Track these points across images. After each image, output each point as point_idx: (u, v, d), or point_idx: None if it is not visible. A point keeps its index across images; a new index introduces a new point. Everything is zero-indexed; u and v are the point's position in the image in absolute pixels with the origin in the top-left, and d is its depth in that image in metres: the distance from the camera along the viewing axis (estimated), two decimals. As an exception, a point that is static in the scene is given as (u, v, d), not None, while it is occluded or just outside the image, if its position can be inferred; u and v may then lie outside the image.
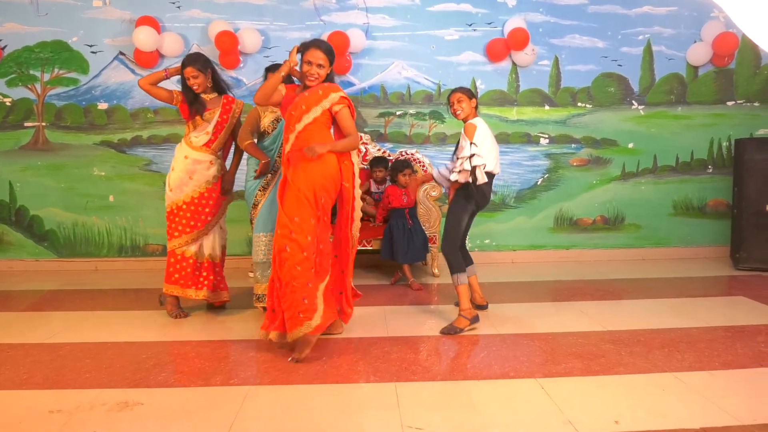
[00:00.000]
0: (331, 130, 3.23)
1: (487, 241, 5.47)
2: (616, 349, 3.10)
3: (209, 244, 3.80)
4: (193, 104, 3.68)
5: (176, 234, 3.70)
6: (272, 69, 3.88)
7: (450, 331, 3.38)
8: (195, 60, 3.62)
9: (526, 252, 5.49)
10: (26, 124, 5.20)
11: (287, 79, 3.24)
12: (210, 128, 3.70)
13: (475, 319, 3.45)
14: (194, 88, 3.63)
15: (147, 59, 5.03)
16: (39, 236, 5.31)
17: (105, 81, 5.19)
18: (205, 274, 3.78)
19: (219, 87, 3.77)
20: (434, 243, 4.85)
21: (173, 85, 3.93)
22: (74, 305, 4.15)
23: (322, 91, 3.10)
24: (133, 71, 5.17)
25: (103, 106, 5.20)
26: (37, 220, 5.29)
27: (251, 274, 4.79)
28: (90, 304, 4.17)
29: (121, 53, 5.15)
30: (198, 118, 3.68)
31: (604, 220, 5.57)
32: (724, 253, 5.52)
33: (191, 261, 3.72)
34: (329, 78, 3.18)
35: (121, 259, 5.34)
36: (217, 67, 3.83)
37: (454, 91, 3.54)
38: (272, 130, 3.91)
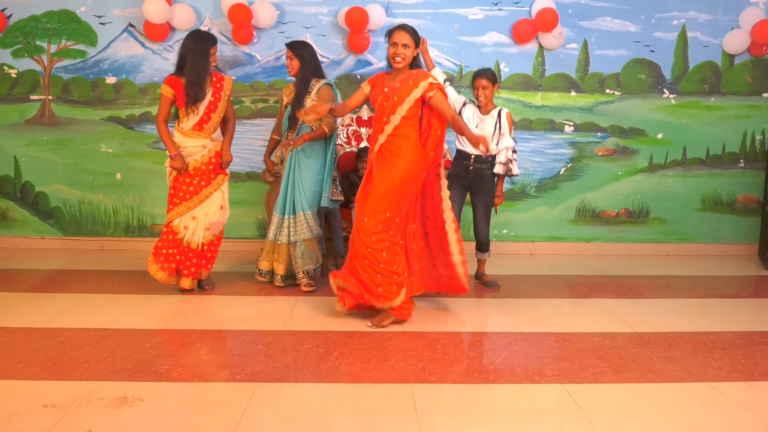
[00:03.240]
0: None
1: (505, 231, 5.26)
2: (645, 353, 2.91)
3: (198, 229, 3.71)
4: (195, 91, 3.53)
5: (170, 207, 3.68)
6: (290, 45, 3.81)
7: (492, 284, 4.05)
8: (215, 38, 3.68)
9: (545, 244, 5.29)
10: (32, 97, 5.03)
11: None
12: (200, 111, 3.61)
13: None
14: (213, 66, 3.62)
15: (157, 32, 4.82)
16: (44, 213, 5.17)
17: (113, 54, 4.99)
18: (179, 257, 3.72)
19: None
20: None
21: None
22: (78, 286, 4.02)
23: (412, 80, 3.15)
24: (143, 44, 4.97)
25: (111, 80, 5.02)
26: (43, 196, 5.15)
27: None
28: (94, 285, 4.03)
29: (131, 25, 4.95)
30: (192, 107, 3.60)
31: (628, 213, 5.34)
32: (752, 251, 5.28)
33: (176, 240, 3.70)
34: (416, 63, 3.27)
35: (128, 239, 5.19)
36: (229, 43, 3.74)
37: (480, 75, 3.69)
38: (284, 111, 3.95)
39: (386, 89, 3.23)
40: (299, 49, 3.81)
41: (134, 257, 4.84)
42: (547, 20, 4.80)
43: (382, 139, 3.21)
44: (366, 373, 2.60)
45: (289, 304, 3.61)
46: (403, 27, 3.20)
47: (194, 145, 3.64)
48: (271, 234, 3.88)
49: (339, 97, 4.12)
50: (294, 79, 3.86)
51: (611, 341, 3.05)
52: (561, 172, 5.25)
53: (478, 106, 3.90)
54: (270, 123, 4.96)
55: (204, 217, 3.71)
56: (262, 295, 3.81)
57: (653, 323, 3.37)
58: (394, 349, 2.89)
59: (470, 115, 3.87)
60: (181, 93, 3.54)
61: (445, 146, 4.85)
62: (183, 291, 3.77)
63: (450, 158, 4.84)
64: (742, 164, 5.31)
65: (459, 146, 3.94)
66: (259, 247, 4.88)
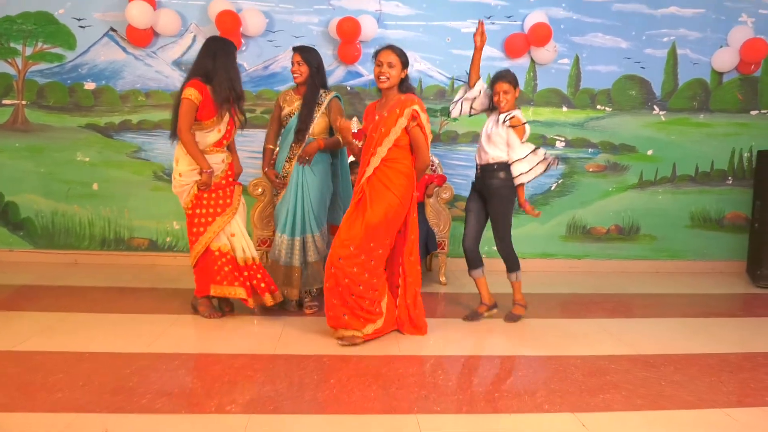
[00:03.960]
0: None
1: (495, 248, 5.14)
2: (653, 377, 2.81)
3: (245, 243, 3.45)
4: (227, 94, 3.28)
5: (201, 230, 3.38)
6: (300, 50, 3.58)
7: (513, 318, 3.65)
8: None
9: (536, 260, 5.20)
10: (4, 102, 4.78)
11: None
12: (223, 126, 3.38)
13: (526, 306, 3.73)
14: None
15: (140, 37, 4.63)
16: (14, 224, 4.90)
17: (93, 59, 4.77)
18: (246, 274, 3.44)
19: None
20: (443, 248, 4.54)
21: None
22: (49, 304, 3.77)
23: (399, 108, 3.06)
24: (124, 49, 4.77)
25: (90, 86, 4.79)
26: (13, 206, 4.87)
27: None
28: (67, 303, 3.79)
29: (112, 29, 4.74)
30: (210, 119, 3.32)
31: (619, 229, 5.29)
32: (739, 268, 5.27)
33: (229, 256, 3.41)
34: (405, 86, 3.16)
35: (104, 253, 4.94)
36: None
37: (500, 79, 3.42)
38: (285, 124, 3.70)
39: (377, 117, 3.15)
40: (309, 54, 3.57)
41: (110, 272, 4.61)
42: (540, 35, 4.75)
43: (369, 171, 3.11)
44: (367, 402, 2.44)
45: (278, 324, 3.43)
46: (390, 46, 3.12)
47: (216, 161, 3.39)
48: (284, 257, 3.56)
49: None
50: (289, 86, 3.69)
51: (617, 365, 2.95)
52: (552, 188, 5.19)
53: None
54: (257, 134, 4.80)
55: (241, 231, 3.45)
56: (246, 314, 3.61)
57: (656, 344, 3.29)
58: (394, 374, 2.73)
59: (489, 126, 3.54)
60: (209, 100, 3.26)
61: (435, 159, 4.80)
62: (268, 308, 3.54)
63: (441, 172, 4.75)
64: (731, 181, 5.32)
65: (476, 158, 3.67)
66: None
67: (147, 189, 4.88)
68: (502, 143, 3.44)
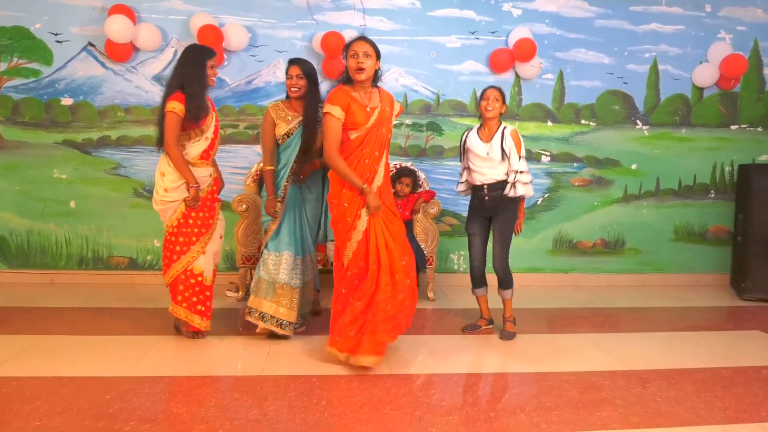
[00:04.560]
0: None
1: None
2: (648, 393, 2.78)
3: (208, 262, 3.36)
4: (200, 106, 3.18)
5: (184, 249, 3.26)
6: (298, 62, 3.43)
7: (508, 336, 3.59)
8: (213, 51, 3.34)
9: (523, 275, 5.14)
10: (-23, 119, 4.64)
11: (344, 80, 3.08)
12: (209, 134, 3.29)
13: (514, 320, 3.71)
14: (212, 80, 3.27)
15: (120, 52, 4.54)
16: (-13, 244, 4.73)
17: (71, 74, 4.66)
18: (204, 298, 3.35)
19: None
20: (431, 264, 4.48)
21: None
22: (25, 327, 3.62)
23: (388, 106, 3.06)
24: (103, 64, 4.67)
25: (67, 101, 4.67)
26: (-14, 225, 4.72)
27: (228, 293, 4.36)
28: (44, 325, 3.65)
29: (91, 44, 4.64)
30: (196, 128, 3.24)
31: (605, 243, 5.30)
32: (723, 281, 5.31)
33: (199, 281, 3.31)
34: (377, 78, 3.07)
35: (81, 272, 4.79)
36: None
37: (492, 87, 3.50)
38: (282, 143, 3.50)
39: (374, 110, 2.96)
40: (308, 66, 3.43)
41: (89, 292, 4.47)
42: (525, 50, 4.77)
43: (378, 180, 3.02)
44: (359, 425, 2.35)
45: (264, 344, 3.33)
46: (362, 37, 2.99)
47: (204, 174, 3.30)
48: (284, 276, 3.36)
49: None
50: (274, 100, 3.60)
51: (611, 381, 2.91)
52: (538, 203, 5.18)
53: (478, 129, 3.57)
54: (240, 149, 4.73)
55: (211, 250, 3.37)
56: (231, 334, 3.51)
57: (647, 359, 3.26)
58: (385, 395, 2.66)
59: (473, 145, 3.52)
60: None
61: (422, 174, 4.77)
62: (196, 336, 3.40)
63: (427, 187, 4.72)
64: (713, 195, 5.37)
65: (468, 179, 3.64)
66: (227, 280, 4.60)
67: (126, 206, 4.76)
68: (499, 159, 3.45)
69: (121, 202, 4.76)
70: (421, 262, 4.32)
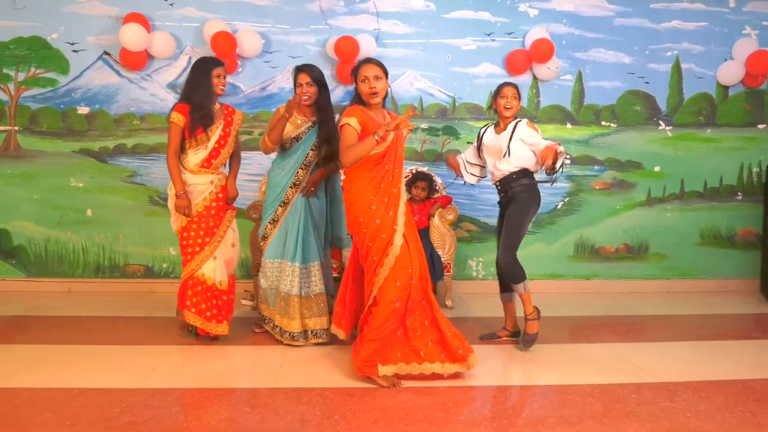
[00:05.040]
0: None
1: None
2: (676, 407, 2.65)
3: (220, 267, 3.38)
4: (202, 115, 3.24)
5: (189, 258, 3.34)
6: (307, 69, 3.39)
7: (529, 341, 3.35)
8: (221, 61, 3.41)
9: (543, 282, 5.04)
10: (-4, 128, 4.68)
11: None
12: (210, 143, 3.32)
13: (539, 314, 3.43)
14: (220, 88, 3.31)
15: (135, 60, 4.54)
16: (6, 252, 4.76)
17: (87, 83, 4.68)
18: (220, 303, 3.39)
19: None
20: (449, 271, 4.39)
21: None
22: (40, 335, 3.62)
23: (405, 130, 3.06)
24: (118, 73, 4.68)
25: (83, 110, 4.69)
26: (5, 234, 4.74)
27: (244, 301, 4.31)
28: (59, 334, 3.64)
29: (106, 53, 4.66)
30: (202, 134, 3.28)
31: (628, 248, 5.15)
32: (752, 286, 5.13)
33: (208, 286, 3.34)
34: (385, 99, 3.07)
35: (98, 280, 4.79)
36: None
37: (509, 84, 3.41)
38: (289, 147, 3.48)
39: (390, 133, 2.92)
40: (317, 73, 3.39)
41: (105, 300, 4.47)
42: (542, 51, 4.67)
43: (403, 197, 3.01)
44: (374, 441, 2.28)
45: (279, 354, 3.28)
46: (370, 60, 2.98)
47: (202, 182, 3.34)
48: (286, 285, 3.37)
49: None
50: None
51: (637, 394, 2.79)
52: (558, 207, 5.06)
53: (495, 126, 3.54)
54: (255, 156, 4.69)
55: (221, 257, 3.40)
56: (247, 344, 3.46)
57: (675, 370, 3.13)
58: (401, 409, 2.57)
59: (487, 138, 3.52)
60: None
61: (439, 180, 4.68)
62: (214, 339, 3.45)
63: (444, 192, 4.63)
64: (740, 197, 5.20)
65: (491, 177, 3.59)
66: (242, 288, 4.56)
67: (142, 214, 4.76)
68: (520, 151, 3.34)
69: (137, 210, 4.76)
70: (438, 268, 4.24)
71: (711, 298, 4.90)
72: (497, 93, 3.44)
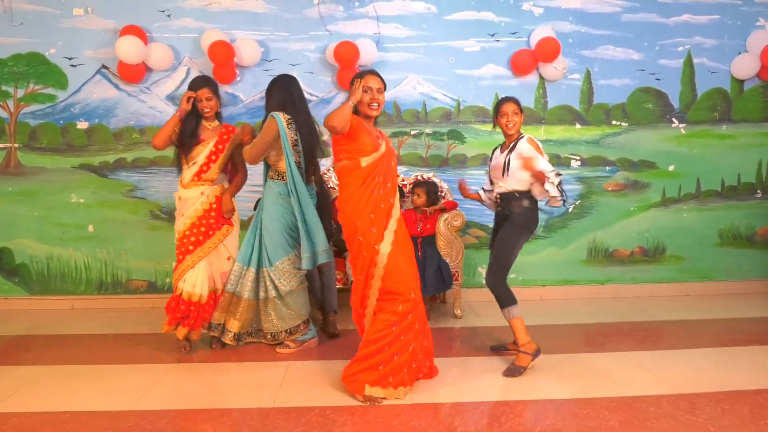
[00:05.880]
0: None
1: (512, 276, 4.83)
2: (699, 421, 2.49)
3: (199, 280, 3.42)
4: (185, 135, 3.39)
5: (175, 265, 3.49)
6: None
7: (514, 372, 3.06)
8: (209, 81, 3.48)
9: (556, 288, 4.89)
10: (-4, 146, 4.65)
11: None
12: (201, 158, 3.43)
13: (536, 353, 3.11)
14: (206, 111, 3.43)
15: (132, 73, 4.48)
16: (8, 271, 4.71)
17: (85, 97, 4.63)
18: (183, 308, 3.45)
19: (220, 116, 3.59)
20: (457, 279, 4.25)
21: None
22: (40, 356, 3.55)
23: (388, 141, 3.01)
24: (117, 86, 4.62)
25: (83, 125, 4.64)
26: (7, 252, 4.69)
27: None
28: (58, 354, 3.57)
29: (104, 66, 4.61)
30: (190, 153, 3.44)
31: (643, 251, 4.97)
32: (776, 287, 4.93)
33: (195, 302, 3.44)
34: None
35: (101, 297, 4.72)
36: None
37: (507, 100, 3.24)
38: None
39: (382, 145, 2.88)
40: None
41: (108, 317, 4.40)
42: (548, 50, 4.53)
43: (396, 212, 2.91)
44: (375, 464, 2.15)
45: (280, 371, 3.16)
46: (374, 72, 2.94)
47: (193, 195, 3.46)
48: (230, 285, 3.47)
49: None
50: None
51: (656, 407, 2.63)
52: (570, 210, 4.90)
53: (501, 145, 3.41)
54: (255, 167, 4.57)
55: (207, 268, 3.46)
56: (248, 360, 3.35)
57: (696, 380, 2.96)
58: (405, 428, 2.44)
59: (494, 159, 3.38)
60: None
61: (444, 185, 4.56)
62: (179, 343, 3.53)
63: (450, 197, 4.50)
64: (760, 195, 5.00)
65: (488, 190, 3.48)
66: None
67: (144, 229, 4.69)
68: (517, 169, 3.16)
69: (139, 224, 4.69)
70: (447, 277, 4.11)
71: (732, 301, 4.70)
72: (497, 111, 3.28)
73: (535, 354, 3.11)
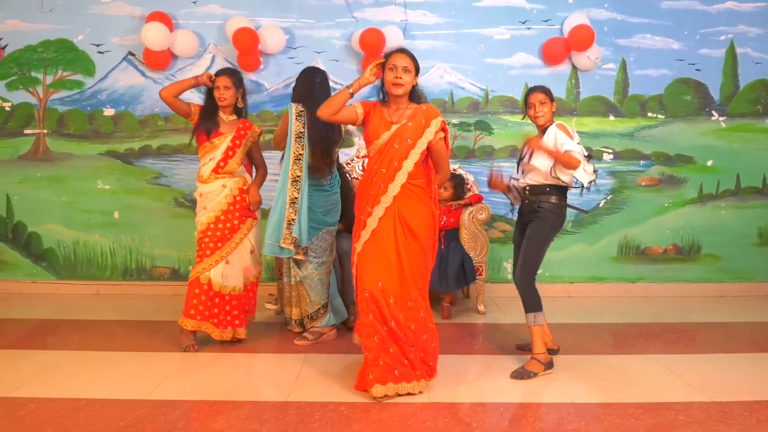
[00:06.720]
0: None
1: (539, 271, 4.70)
2: (732, 431, 2.35)
3: (234, 273, 3.39)
4: (205, 119, 3.38)
5: (198, 260, 3.36)
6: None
7: (522, 375, 2.94)
8: (232, 73, 3.46)
9: (584, 285, 4.73)
10: (26, 132, 4.70)
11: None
12: (217, 154, 3.39)
13: (549, 365, 3.01)
14: (221, 100, 3.39)
15: (158, 60, 4.48)
16: (37, 255, 4.78)
17: (112, 84, 4.65)
18: (228, 308, 3.38)
19: (240, 111, 3.52)
20: (481, 274, 4.15)
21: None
22: (62, 341, 3.59)
23: (424, 119, 2.73)
24: (143, 73, 4.63)
25: (109, 112, 4.67)
26: (35, 237, 4.77)
27: (268, 305, 4.19)
28: (81, 339, 3.60)
29: (131, 53, 4.62)
30: (208, 142, 3.37)
31: (677, 249, 4.78)
32: (819, 291, 4.68)
33: (214, 291, 3.34)
34: (416, 95, 2.83)
35: (125, 283, 4.77)
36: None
37: (535, 90, 3.10)
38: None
39: (394, 126, 2.73)
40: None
41: (132, 303, 4.44)
42: (581, 39, 4.36)
43: (394, 189, 2.71)
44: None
45: (297, 363, 3.12)
46: (403, 49, 2.78)
47: (214, 188, 3.40)
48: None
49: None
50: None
51: (685, 415, 2.49)
52: (600, 205, 4.73)
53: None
54: (278, 155, 4.51)
55: (240, 261, 3.44)
56: (267, 351, 3.32)
57: (730, 387, 2.81)
58: (421, 428, 2.37)
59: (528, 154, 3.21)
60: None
61: (471, 177, 4.45)
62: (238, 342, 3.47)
63: (476, 190, 4.39)
64: (804, 193, 4.75)
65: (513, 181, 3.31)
66: (267, 291, 4.44)
67: (168, 216, 4.70)
68: (539, 158, 3.05)
69: (163, 211, 4.71)
70: (469, 271, 4.01)
71: (771, 304, 4.49)
72: (525, 102, 3.16)
73: (548, 366, 3.00)
